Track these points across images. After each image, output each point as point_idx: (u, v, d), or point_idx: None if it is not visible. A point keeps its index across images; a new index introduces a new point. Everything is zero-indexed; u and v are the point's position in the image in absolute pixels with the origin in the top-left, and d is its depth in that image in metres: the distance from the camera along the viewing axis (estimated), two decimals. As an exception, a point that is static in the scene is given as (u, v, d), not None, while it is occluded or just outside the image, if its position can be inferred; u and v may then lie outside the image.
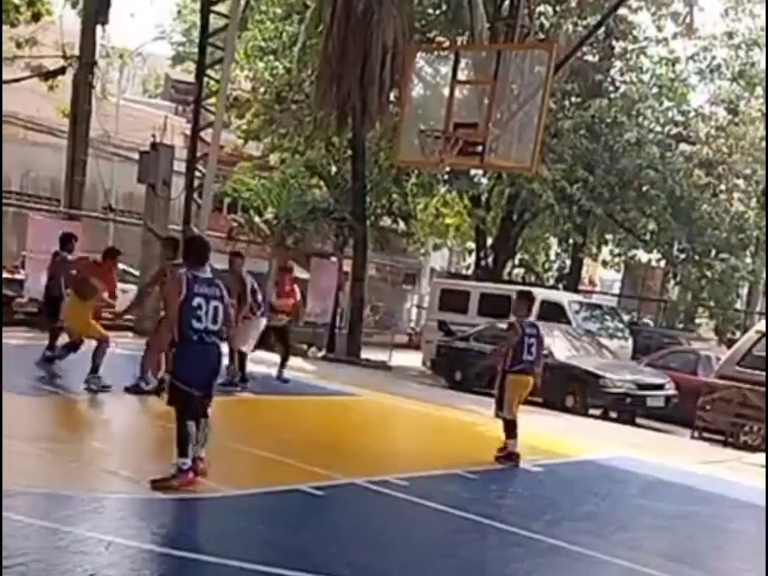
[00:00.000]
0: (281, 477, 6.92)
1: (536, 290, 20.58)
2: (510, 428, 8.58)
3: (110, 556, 4.79)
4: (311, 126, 21.49)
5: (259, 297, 11.05)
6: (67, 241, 11.39)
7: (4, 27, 17.75)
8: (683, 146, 22.64)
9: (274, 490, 6.52)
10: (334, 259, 20.46)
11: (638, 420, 14.52)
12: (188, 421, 6.13)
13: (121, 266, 21.12)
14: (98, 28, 17.52)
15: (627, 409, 14.37)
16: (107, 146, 21.87)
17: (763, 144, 23.04)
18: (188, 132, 19.52)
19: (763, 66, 22.46)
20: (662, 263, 26.72)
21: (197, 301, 6.11)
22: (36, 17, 18.17)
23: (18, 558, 4.50)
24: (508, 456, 8.56)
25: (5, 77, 17.91)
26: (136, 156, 17.54)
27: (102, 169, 19.27)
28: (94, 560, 4.68)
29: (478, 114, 10.54)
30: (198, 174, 17.73)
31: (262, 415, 10.05)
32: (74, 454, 6.94)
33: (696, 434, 12.79)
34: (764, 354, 12.97)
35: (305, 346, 18.84)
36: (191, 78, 19.72)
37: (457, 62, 11.08)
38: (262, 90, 23.03)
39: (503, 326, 16.33)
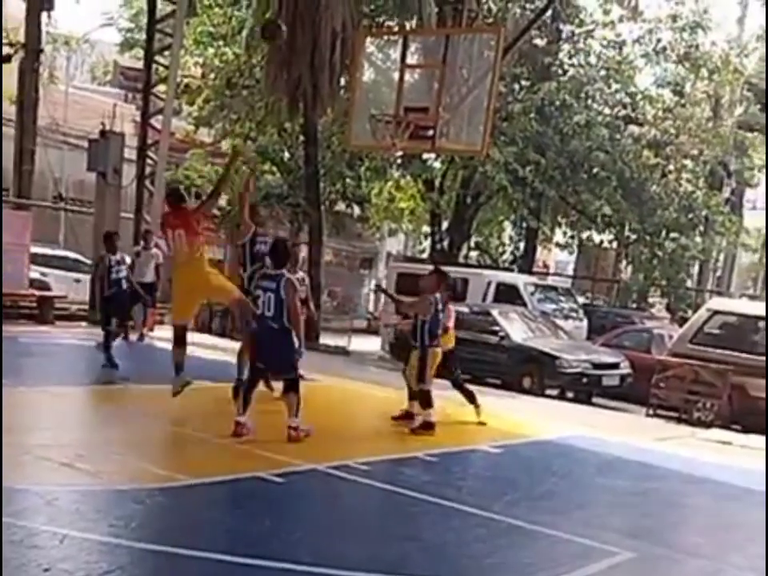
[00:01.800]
0: (240, 464, 6.89)
1: (491, 272, 20.87)
2: (428, 398, 8.92)
3: (65, 549, 4.72)
4: (262, 111, 21.29)
5: None
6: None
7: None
8: (632, 128, 22.90)
9: (233, 478, 6.49)
10: (289, 245, 20.29)
11: (595, 399, 14.69)
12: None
13: (72, 255, 20.91)
14: (44, 14, 17.15)
15: (583, 388, 14.52)
16: (56, 134, 21.50)
17: (710, 124, 23.50)
18: (138, 119, 19.23)
19: (707, 47, 22.84)
20: (615, 244, 27.04)
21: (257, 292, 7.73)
22: (-22, 2, 17.68)
23: (-29, 553, 4.40)
24: (426, 425, 8.79)
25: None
26: (86, 144, 17.24)
27: (52, 157, 18.97)
28: (49, 554, 4.61)
29: (428, 98, 10.59)
30: (149, 161, 17.52)
31: (218, 402, 9.95)
32: (23, 448, 6.79)
33: (651, 411, 13.00)
34: (715, 331, 13.24)
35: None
36: (140, 65, 19.40)
37: (406, 46, 11.14)
38: (212, 76, 22.75)
39: (462, 309, 16.48)
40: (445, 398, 9.89)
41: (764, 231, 28.72)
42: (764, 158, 24.24)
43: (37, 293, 16.34)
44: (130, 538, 4.97)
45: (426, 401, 8.91)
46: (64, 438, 7.33)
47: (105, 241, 11.66)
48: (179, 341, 8.34)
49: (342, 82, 17.37)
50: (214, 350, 13.80)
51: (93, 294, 14.85)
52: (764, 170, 25.39)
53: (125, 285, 11.50)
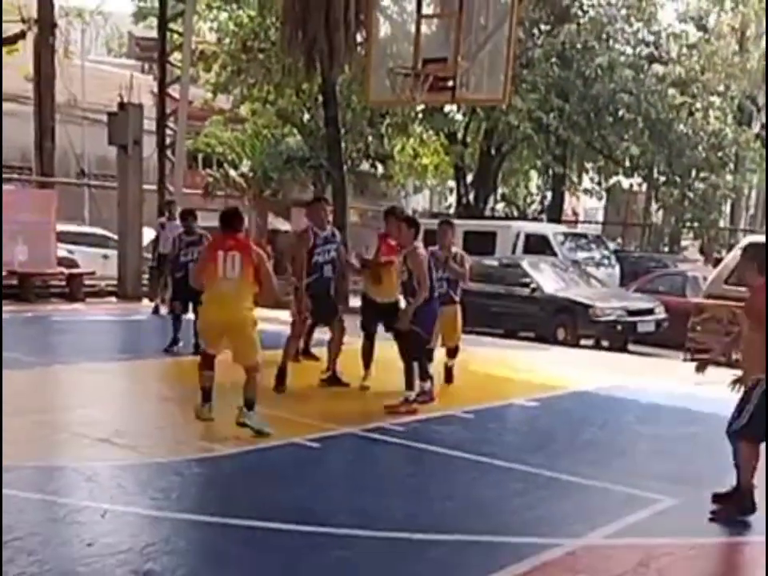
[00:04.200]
0: (275, 432, 6.84)
1: (519, 223, 20.66)
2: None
3: (108, 524, 4.74)
4: (280, 73, 21.07)
5: None
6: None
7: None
8: (656, 67, 22.31)
9: (270, 446, 6.49)
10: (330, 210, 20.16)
11: (630, 347, 14.53)
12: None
13: (99, 230, 21.00)
14: (55, -13, 17.08)
15: (618, 336, 14.35)
16: (75, 109, 21.47)
17: (736, 59, 22.88)
18: (155, 90, 19.12)
19: None
20: (644, 188, 26.61)
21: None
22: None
23: (14, 532, 4.45)
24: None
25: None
26: (105, 118, 17.14)
27: (72, 133, 18.96)
28: (92, 529, 4.63)
29: (447, 49, 10.34)
30: (168, 131, 17.44)
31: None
32: (61, 425, 6.84)
33: (688, 355, 12.82)
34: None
35: (290, 298, 18.70)
36: (155, 34, 19.25)
37: (420, -5, 10.85)
38: (227, 40, 22.51)
39: (492, 262, 16.34)
40: (474, 353, 9.82)
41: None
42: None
43: (65, 271, 16.42)
44: (172, 510, 5.00)
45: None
46: (101, 414, 7.35)
47: (182, 220, 10.87)
48: (208, 364, 7.21)
49: (359, 38, 17.09)
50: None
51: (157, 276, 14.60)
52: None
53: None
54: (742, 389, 5.19)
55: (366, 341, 8.76)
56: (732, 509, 5.24)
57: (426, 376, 7.92)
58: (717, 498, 5.46)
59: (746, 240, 15.36)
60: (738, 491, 5.28)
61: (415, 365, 7.88)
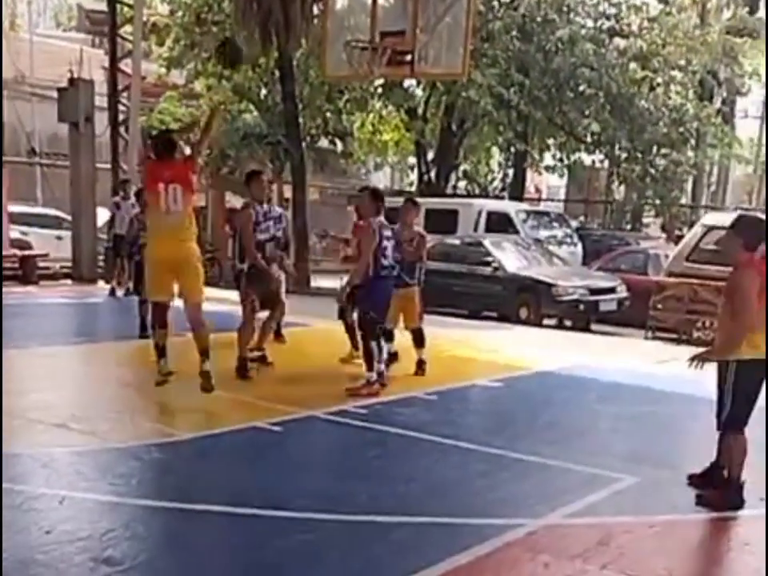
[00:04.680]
0: (236, 415, 6.81)
1: (481, 201, 20.59)
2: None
3: (66, 510, 4.70)
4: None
5: None
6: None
7: None
8: (617, 41, 22.30)
9: (231, 430, 6.42)
10: (273, 186, 19.98)
11: (593, 326, 14.58)
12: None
13: (52, 211, 20.57)
14: (0, -42, 16.55)
15: (581, 315, 14.38)
16: (23, 85, 20.93)
17: (697, 32, 22.90)
18: (107, 64, 18.68)
19: None
20: (606, 164, 26.65)
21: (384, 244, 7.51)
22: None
23: (-31, 520, 4.35)
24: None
25: None
26: (55, 94, 16.75)
27: (21, 110, 18.47)
28: (49, 516, 4.59)
29: (405, 21, 10.21)
30: (121, 108, 17.08)
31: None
32: (15, 411, 6.64)
33: (650, 334, 12.89)
34: (711, 247, 13.01)
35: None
36: (104, 6, 18.77)
37: (377, -34, 10.65)
38: (179, 13, 22.00)
39: (454, 241, 16.26)
40: (437, 334, 9.73)
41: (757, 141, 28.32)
42: (755, 63, 23.62)
43: (19, 253, 16.11)
44: (131, 495, 4.95)
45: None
46: (56, 398, 7.22)
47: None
48: (160, 320, 7.00)
49: (315, 10, 16.81)
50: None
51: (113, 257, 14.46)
52: (755, 77, 24.74)
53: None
54: (702, 365, 5.11)
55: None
56: (721, 502, 5.17)
57: (379, 358, 7.76)
58: (692, 478, 5.44)
59: (707, 217, 15.46)
60: (728, 485, 5.22)
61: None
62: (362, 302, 7.77)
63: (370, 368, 7.70)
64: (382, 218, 7.69)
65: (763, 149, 28.72)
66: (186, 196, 6.82)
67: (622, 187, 26.72)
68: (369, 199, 7.73)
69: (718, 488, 5.27)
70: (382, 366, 7.80)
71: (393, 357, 8.60)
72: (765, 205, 22.71)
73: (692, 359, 5.15)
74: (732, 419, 5.12)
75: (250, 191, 8.41)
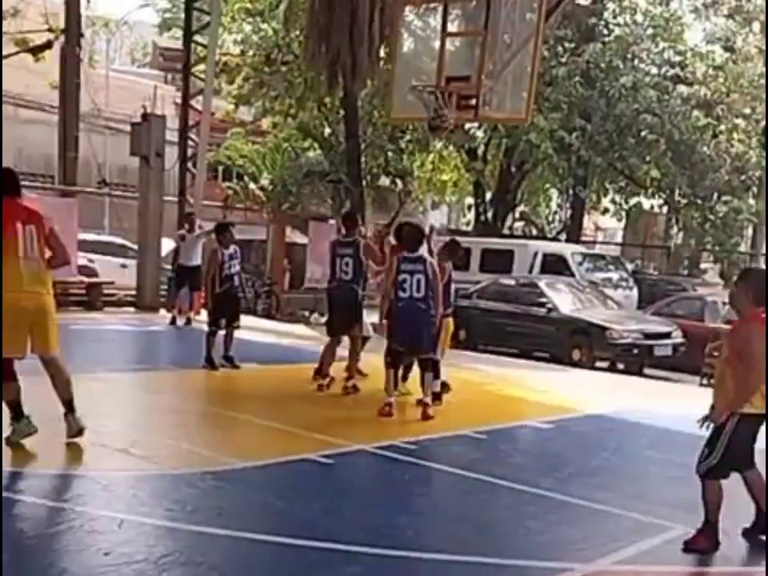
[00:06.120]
0: (288, 447, 6.88)
1: (537, 243, 20.63)
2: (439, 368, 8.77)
3: (124, 533, 4.78)
4: (302, 87, 21.21)
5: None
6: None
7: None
8: (681, 88, 22.28)
9: (283, 461, 6.49)
10: (332, 222, 20.29)
11: (646, 370, 14.42)
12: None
13: (119, 240, 21.16)
14: (83, -2, 17.26)
15: (635, 359, 14.25)
16: (98, 119, 21.67)
17: (762, 81, 22.72)
18: (178, 100, 19.28)
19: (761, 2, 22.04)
20: (665, 209, 26.47)
21: (402, 276, 8.04)
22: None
23: (32, 539, 4.52)
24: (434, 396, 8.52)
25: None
26: (128, 128, 17.30)
27: (95, 142, 19.10)
28: (108, 538, 4.66)
29: (470, 67, 10.37)
30: (190, 142, 17.55)
31: (262, 384, 10.01)
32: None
33: (704, 381, 12.71)
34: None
35: (306, 313, 18.76)
36: (179, 45, 19.43)
37: (446, 13, 10.88)
38: (250, 53, 22.71)
39: (509, 281, 16.35)
40: (488, 373, 9.78)
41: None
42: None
43: (85, 279, 16.52)
44: (186, 521, 5.02)
45: (437, 371, 8.69)
46: (118, 424, 7.40)
47: (217, 233, 10.52)
48: (11, 372, 6.03)
49: (382, 53, 17.18)
50: (260, 331, 13.83)
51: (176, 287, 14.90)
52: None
53: (237, 281, 10.38)
54: (711, 426, 5.04)
55: None
56: (705, 544, 5.10)
57: (388, 385, 8.27)
58: (746, 532, 5.35)
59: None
60: (707, 525, 5.14)
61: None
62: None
63: (387, 391, 8.29)
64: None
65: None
66: (41, 238, 6.07)
67: (681, 232, 26.46)
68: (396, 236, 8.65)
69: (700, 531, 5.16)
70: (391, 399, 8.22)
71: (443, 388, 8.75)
72: (765, 212, 22.29)
73: (702, 420, 5.05)
74: (715, 470, 5.04)
75: (219, 241, 10.17)
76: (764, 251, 26.82)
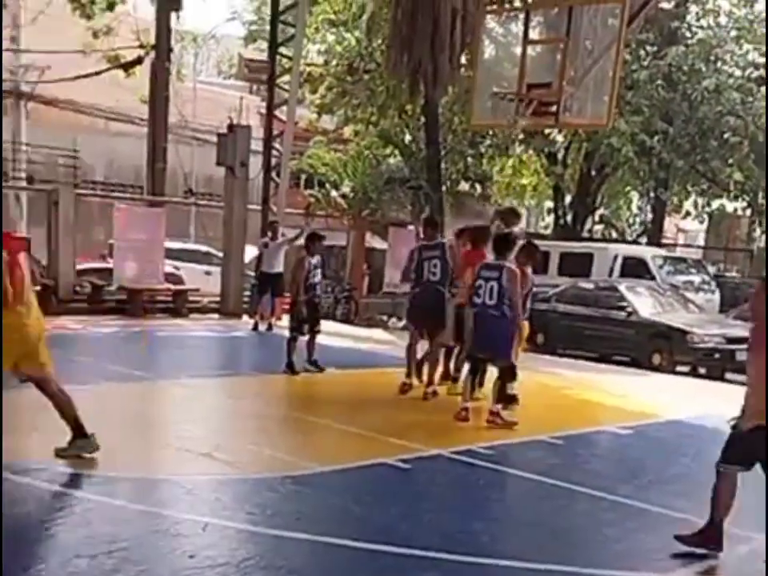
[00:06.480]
0: (366, 451, 6.99)
1: (617, 246, 20.41)
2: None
3: (208, 537, 4.91)
4: (384, 95, 21.41)
5: None
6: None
7: (81, 20, 18.26)
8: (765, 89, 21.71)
9: (361, 465, 6.61)
10: (411, 227, 20.41)
11: (728, 375, 14.10)
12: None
13: (203, 248, 21.71)
14: (172, 14, 17.75)
15: (716, 364, 14.01)
16: (185, 130, 22.26)
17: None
18: (263, 111, 19.63)
19: None
20: (748, 212, 25.78)
21: (478, 282, 8.17)
22: (111, 6, 18.52)
23: (120, 542, 4.68)
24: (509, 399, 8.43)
25: (84, 70, 18.43)
26: (214, 139, 17.71)
27: (182, 153, 19.63)
28: (193, 542, 4.81)
29: (552, 73, 10.40)
30: (274, 152, 17.87)
31: (341, 389, 10.20)
32: (164, 439, 7.17)
33: (789, 387, 12.38)
34: None
35: (384, 317, 18.92)
36: (264, 57, 19.84)
37: (528, 21, 10.91)
38: (333, 62, 23.00)
39: (588, 285, 16.23)
40: (566, 377, 9.73)
41: None
42: None
43: (172, 287, 16.98)
44: (267, 525, 5.13)
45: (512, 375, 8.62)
46: (202, 429, 7.60)
47: (308, 241, 10.72)
48: (50, 393, 6.00)
49: (463, 60, 17.25)
50: (338, 336, 14.03)
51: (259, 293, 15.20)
52: None
53: (319, 290, 10.82)
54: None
55: None
56: (708, 542, 5.08)
57: (465, 391, 8.54)
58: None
59: None
60: (711, 524, 5.10)
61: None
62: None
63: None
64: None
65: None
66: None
67: (764, 235, 25.73)
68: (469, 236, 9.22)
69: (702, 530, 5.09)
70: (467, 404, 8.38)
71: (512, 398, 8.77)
72: (765, 213, 21.42)
73: (734, 427, 5.04)
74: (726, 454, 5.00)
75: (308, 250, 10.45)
76: None
